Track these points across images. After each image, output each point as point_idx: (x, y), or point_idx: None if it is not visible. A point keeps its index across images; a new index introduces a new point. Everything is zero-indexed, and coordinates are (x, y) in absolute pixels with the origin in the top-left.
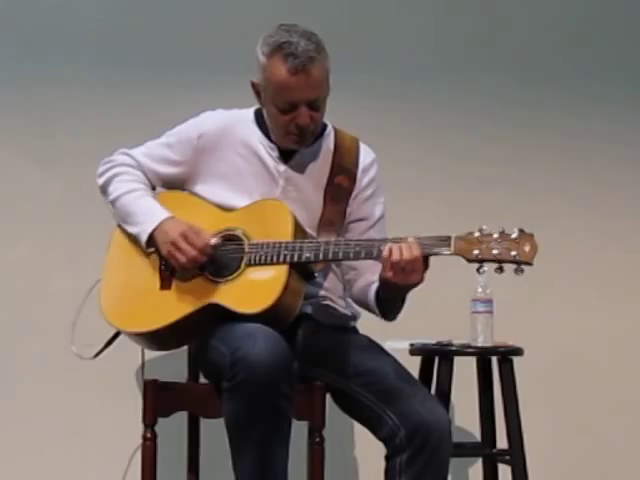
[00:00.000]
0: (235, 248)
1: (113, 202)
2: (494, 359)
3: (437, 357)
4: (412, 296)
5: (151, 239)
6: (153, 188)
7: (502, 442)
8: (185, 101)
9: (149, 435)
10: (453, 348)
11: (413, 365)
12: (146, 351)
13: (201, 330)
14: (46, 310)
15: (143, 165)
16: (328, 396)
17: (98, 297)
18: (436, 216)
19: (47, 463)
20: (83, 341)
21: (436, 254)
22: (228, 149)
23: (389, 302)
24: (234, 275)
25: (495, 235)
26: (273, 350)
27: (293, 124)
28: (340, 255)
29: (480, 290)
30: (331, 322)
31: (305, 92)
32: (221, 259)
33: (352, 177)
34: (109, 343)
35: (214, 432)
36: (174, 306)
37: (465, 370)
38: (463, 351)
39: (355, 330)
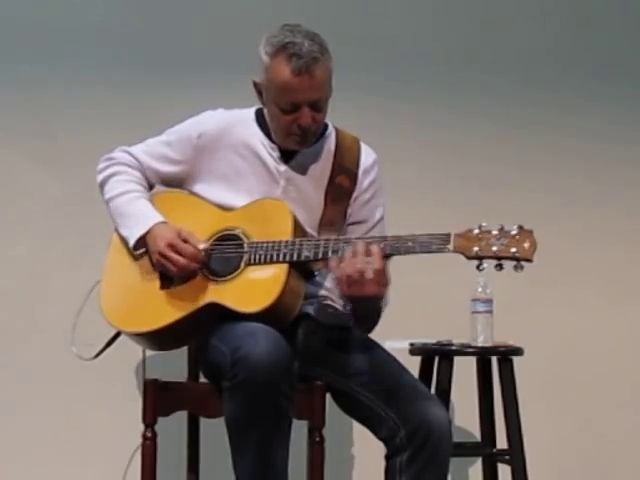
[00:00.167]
0: (235, 247)
1: (108, 202)
2: (494, 359)
3: (437, 357)
4: (412, 296)
5: (141, 244)
6: (152, 187)
7: (502, 442)
8: (185, 101)
9: (149, 434)
10: (453, 348)
11: (413, 365)
12: (146, 351)
13: (201, 330)
14: (46, 310)
15: (143, 163)
16: (328, 396)
17: (98, 297)
18: (436, 215)
19: (47, 463)
20: (83, 341)
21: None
22: (228, 149)
23: (355, 312)
24: (234, 274)
25: (494, 232)
26: (273, 350)
27: (295, 125)
28: (340, 254)
29: (480, 290)
30: (331, 322)
31: (308, 93)
32: (221, 258)
33: (353, 177)
34: (109, 343)
35: (214, 431)
36: (174, 306)
37: (465, 370)
38: (463, 351)
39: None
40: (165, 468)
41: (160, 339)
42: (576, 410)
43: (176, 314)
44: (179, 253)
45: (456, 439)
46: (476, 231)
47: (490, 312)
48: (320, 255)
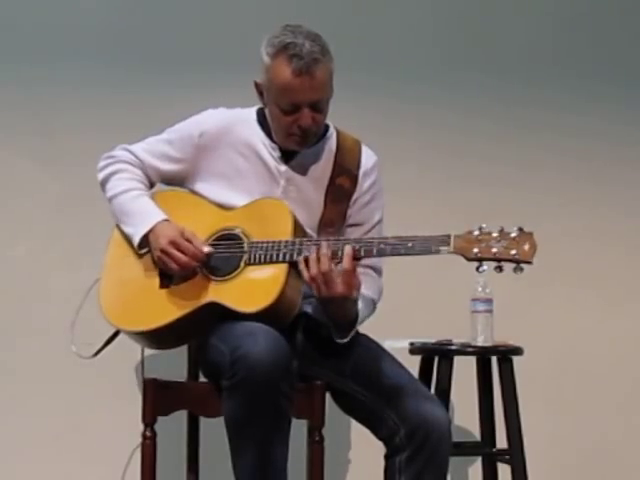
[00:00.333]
0: (234, 247)
1: (110, 200)
2: (494, 358)
3: (437, 356)
4: (412, 295)
5: (144, 241)
6: (153, 184)
7: (502, 441)
8: (185, 101)
9: (149, 434)
10: (453, 347)
11: (413, 364)
12: (146, 350)
13: (201, 329)
14: (46, 309)
15: (144, 161)
16: (328, 395)
17: (98, 296)
18: (436, 216)
19: (47, 462)
20: (83, 340)
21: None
22: (229, 148)
23: (327, 315)
24: (233, 274)
25: (495, 234)
26: (273, 349)
27: (295, 125)
28: (339, 254)
29: (480, 289)
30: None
31: (308, 94)
32: (220, 258)
33: (353, 178)
34: (109, 342)
35: (214, 431)
36: (173, 305)
37: (465, 369)
38: (463, 350)
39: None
40: (165, 467)
41: (159, 338)
42: (576, 410)
43: (175, 313)
44: (181, 251)
45: (456, 439)
46: (476, 233)
47: (490, 312)
48: None
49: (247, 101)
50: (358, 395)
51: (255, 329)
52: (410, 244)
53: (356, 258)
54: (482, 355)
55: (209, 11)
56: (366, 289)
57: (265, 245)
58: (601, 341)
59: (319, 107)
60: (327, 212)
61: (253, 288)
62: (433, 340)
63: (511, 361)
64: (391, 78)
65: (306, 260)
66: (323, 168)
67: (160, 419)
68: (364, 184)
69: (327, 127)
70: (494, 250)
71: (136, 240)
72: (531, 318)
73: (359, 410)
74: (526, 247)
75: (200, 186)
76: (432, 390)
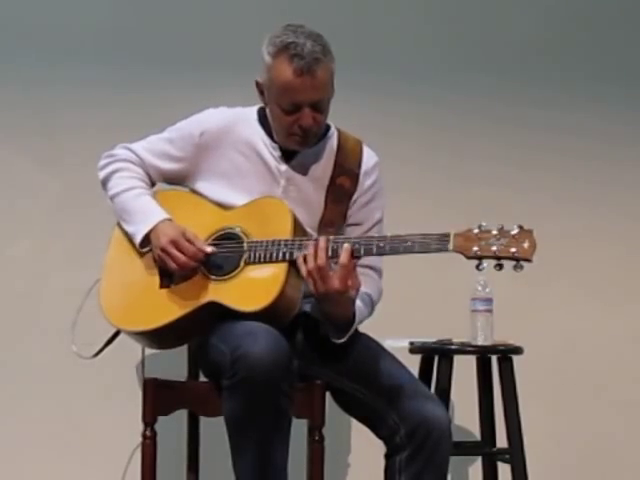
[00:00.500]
0: (234, 246)
1: (112, 198)
2: (494, 358)
3: (437, 356)
4: (412, 295)
5: (146, 240)
6: (154, 183)
7: (502, 441)
8: (185, 101)
9: (149, 433)
10: (453, 347)
11: (413, 364)
12: (146, 349)
13: (201, 328)
14: (46, 309)
15: (144, 160)
16: (328, 395)
17: (98, 296)
18: (436, 215)
19: (47, 462)
20: (83, 340)
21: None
22: (230, 147)
23: (323, 313)
24: (233, 273)
25: (494, 232)
26: (273, 348)
27: (296, 125)
28: (338, 252)
29: (480, 289)
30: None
31: (309, 94)
32: (220, 257)
33: (354, 178)
34: (109, 342)
35: (214, 430)
36: (174, 305)
37: (465, 369)
38: (463, 350)
39: (355, 328)
40: (165, 467)
41: (159, 338)
42: (576, 409)
43: (175, 313)
44: (181, 251)
45: (456, 438)
46: (476, 231)
47: (490, 311)
48: None
49: (248, 101)
50: (358, 394)
51: (255, 329)
52: (410, 242)
53: (355, 256)
54: (482, 354)
55: (209, 10)
56: (365, 289)
57: (265, 244)
58: (601, 340)
59: (320, 107)
60: (327, 212)
61: (253, 287)
62: (433, 339)
63: (511, 360)
64: (391, 78)
65: (305, 257)
66: (324, 168)
67: (160, 419)
68: (365, 184)
69: (328, 127)
70: (494, 248)
71: (138, 239)
72: (531, 317)
73: (359, 409)
74: (526, 245)
75: (200, 185)
76: (432, 389)
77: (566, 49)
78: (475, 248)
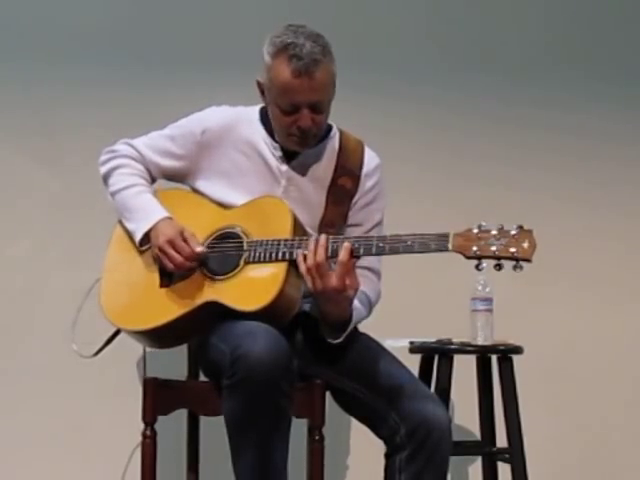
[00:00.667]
0: (234, 246)
1: (112, 195)
2: (494, 357)
3: (437, 355)
4: (412, 294)
5: (146, 238)
6: (154, 180)
7: (502, 440)
8: (185, 100)
9: (149, 433)
10: (453, 346)
11: (413, 363)
12: (146, 349)
13: (201, 328)
14: (46, 308)
15: (145, 157)
16: (328, 394)
17: (98, 295)
18: (436, 215)
19: (47, 461)
20: (83, 339)
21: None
22: (231, 146)
23: (321, 312)
24: (233, 273)
25: (494, 232)
26: (273, 348)
27: (295, 126)
28: (338, 251)
29: (480, 288)
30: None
31: (308, 95)
32: (220, 257)
33: (355, 179)
34: (109, 341)
35: (214, 430)
36: (174, 304)
37: (465, 368)
38: (463, 349)
39: (355, 328)
40: (165, 466)
41: (159, 337)
42: (576, 408)
43: (175, 312)
44: (177, 251)
45: (456, 438)
46: (475, 231)
47: (490, 311)
48: None
49: (248, 101)
50: (358, 394)
51: (255, 328)
52: (409, 242)
53: (355, 256)
54: (482, 354)
55: (210, 10)
56: (363, 289)
57: (265, 244)
58: (601, 340)
59: (319, 108)
60: (328, 213)
61: (253, 287)
62: (433, 339)
63: (511, 360)
64: (391, 78)
65: (304, 255)
66: (325, 168)
67: (160, 418)
68: (366, 185)
69: (330, 127)
70: (493, 248)
71: (138, 236)
72: (531, 317)
73: (359, 409)
74: (525, 245)
75: (201, 184)
76: (432, 389)
77: (566, 49)
78: (475, 248)
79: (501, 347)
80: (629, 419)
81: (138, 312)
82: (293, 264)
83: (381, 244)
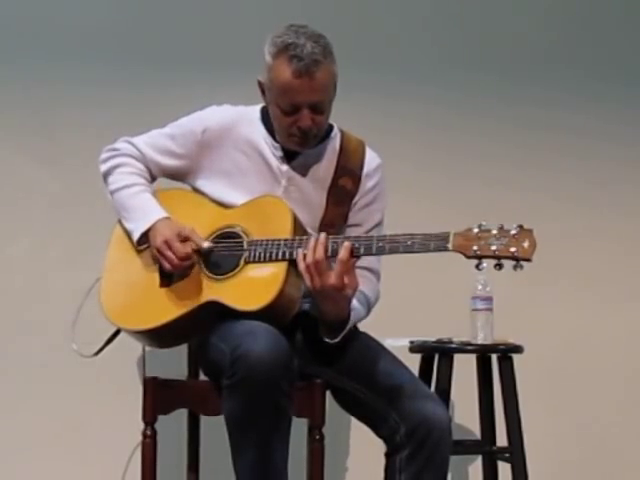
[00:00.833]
0: (234, 245)
1: (112, 193)
2: (494, 357)
3: (437, 355)
4: (412, 294)
5: (145, 239)
6: (154, 178)
7: (502, 440)
8: (185, 100)
9: (149, 432)
10: (453, 346)
11: (413, 362)
12: (146, 348)
13: (201, 327)
14: (46, 308)
15: (145, 155)
16: (328, 394)
17: (98, 295)
18: (436, 214)
19: (48, 461)
20: (84, 339)
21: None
22: (232, 146)
23: (319, 311)
24: (233, 272)
25: (494, 231)
26: (273, 348)
27: (295, 126)
28: (338, 252)
29: (480, 287)
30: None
31: (308, 95)
32: (220, 256)
33: (356, 179)
34: (109, 341)
35: (214, 430)
36: (173, 304)
37: (465, 368)
38: (463, 349)
39: (355, 327)
40: (165, 466)
41: (159, 337)
42: (576, 407)
43: (175, 312)
44: (173, 252)
45: (456, 437)
46: (475, 230)
47: (490, 310)
48: None
49: (248, 100)
50: (358, 393)
51: (255, 328)
52: (409, 242)
53: (355, 256)
54: (482, 353)
55: (210, 10)
56: (362, 289)
57: (265, 243)
58: (601, 339)
59: (319, 108)
60: (328, 213)
61: (253, 286)
62: (433, 338)
63: (511, 359)
64: (392, 78)
65: (304, 253)
66: (325, 169)
67: (160, 418)
68: (366, 185)
69: (331, 128)
70: (493, 248)
71: (136, 236)
72: (531, 316)
73: (359, 408)
74: (526, 244)
75: (201, 183)
76: (432, 388)
77: (566, 49)
78: (475, 247)
79: (501, 346)
80: (629, 418)
81: (138, 312)
82: (293, 264)
83: (381, 244)
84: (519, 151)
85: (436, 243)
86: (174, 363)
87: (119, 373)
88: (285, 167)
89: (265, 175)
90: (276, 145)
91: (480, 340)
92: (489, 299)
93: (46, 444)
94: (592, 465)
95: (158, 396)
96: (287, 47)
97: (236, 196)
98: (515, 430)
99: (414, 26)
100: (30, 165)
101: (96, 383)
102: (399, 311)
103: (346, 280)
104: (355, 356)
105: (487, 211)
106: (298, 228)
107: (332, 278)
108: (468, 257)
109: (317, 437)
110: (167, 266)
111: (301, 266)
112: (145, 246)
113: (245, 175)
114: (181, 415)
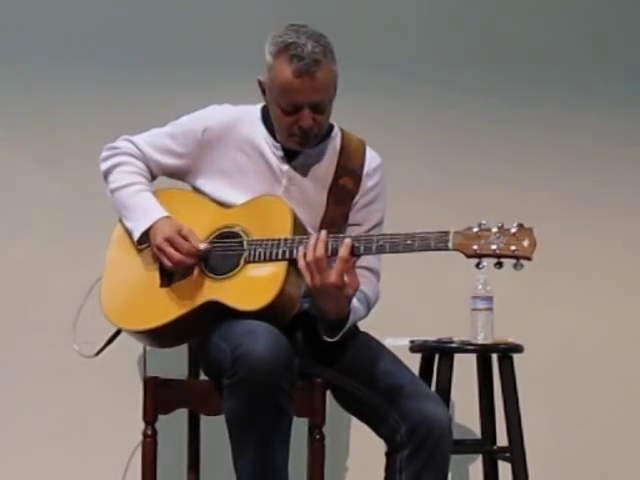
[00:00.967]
0: (234, 245)
1: (112, 192)
2: (494, 356)
3: (437, 354)
4: (412, 293)
5: (144, 236)
6: (154, 177)
7: (502, 439)
8: (186, 100)
9: (149, 432)
10: (453, 345)
11: (413, 362)
12: (147, 348)
13: (201, 327)
14: (46, 308)
15: (146, 154)
16: (328, 393)
17: (99, 295)
18: (436, 214)
19: (48, 460)
20: (84, 339)
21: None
22: (232, 145)
23: (318, 309)
24: (233, 272)
25: (494, 230)
26: (274, 347)
27: (296, 126)
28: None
29: (480, 287)
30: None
31: (309, 95)
32: (220, 256)
33: (357, 179)
34: (110, 341)
35: (215, 429)
36: (174, 304)
37: (465, 367)
38: (463, 348)
39: (355, 327)
40: (166, 466)
41: (160, 337)
42: (576, 407)
43: (175, 312)
44: (175, 248)
45: (456, 436)
46: (475, 229)
47: (490, 309)
48: None
49: (248, 100)
50: (359, 393)
51: (256, 327)
52: (409, 241)
53: (355, 254)
54: (482, 353)
55: (210, 9)
56: (362, 288)
57: (265, 243)
58: (601, 339)
59: (320, 108)
60: (329, 213)
61: (253, 286)
62: (433, 338)
63: (511, 359)
64: (392, 77)
65: (304, 252)
66: (326, 168)
67: (161, 417)
68: (367, 185)
69: (332, 127)
70: (493, 246)
71: (136, 235)
72: (531, 316)
73: (360, 408)
74: (526, 243)
75: (201, 182)
76: (432, 388)
77: (566, 48)
78: (475, 247)
79: (501, 346)
80: (629, 418)
81: (138, 312)
82: (293, 263)
83: (381, 243)
84: (519, 151)
85: (436, 242)
86: (174, 363)
87: (119, 373)
88: (286, 167)
89: (265, 175)
90: (277, 145)
91: (480, 340)
92: (489, 299)
93: (46, 444)
94: (592, 464)
95: (158, 396)
96: (288, 47)
97: (236, 196)
98: (515, 429)
99: (414, 26)
100: (30, 165)
101: (96, 383)
102: (399, 311)
103: (347, 279)
104: (355, 356)
105: (487, 210)
106: (298, 227)
107: (332, 276)
108: (468, 256)
109: (317, 437)
110: (168, 264)
111: (301, 263)
112: (145, 245)
113: (245, 175)
114: (181, 415)
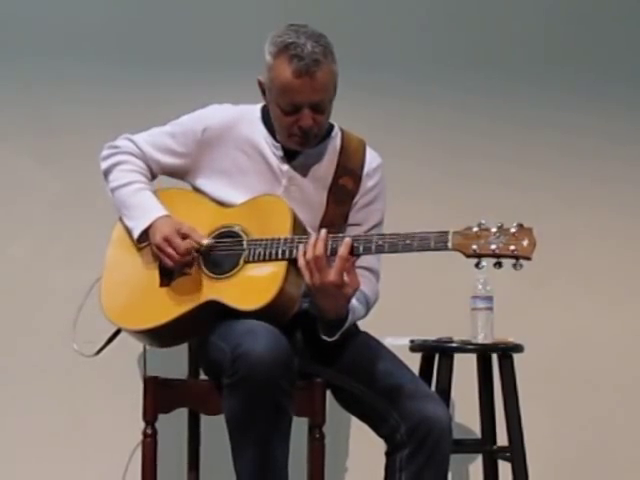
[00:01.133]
0: (234, 245)
1: (112, 191)
2: (494, 356)
3: (437, 354)
4: (412, 293)
5: (144, 235)
6: (154, 176)
7: (502, 439)
8: (185, 99)
9: (149, 432)
10: (453, 345)
11: (413, 362)
12: (147, 348)
13: (201, 327)
14: (46, 308)
15: (146, 153)
16: (328, 393)
17: (98, 294)
18: (435, 213)
19: (48, 460)
20: (84, 338)
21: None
22: (232, 145)
23: (317, 308)
24: (233, 272)
25: (493, 230)
26: (274, 347)
27: (296, 126)
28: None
29: (480, 287)
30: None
31: (309, 95)
32: (220, 256)
33: (357, 179)
34: (110, 340)
35: (215, 429)
36: (173, 303)
37: (465, 367)
38: (463, 348)
39: (355, 327)
40: (166, 465)
41: (159, 336)
42: (576, 407)
43: (175, 312)
44: (174, 248)
45: (456, 436)
46: (475, 229)
47: (490, 309)
48: None
49: (248, 100)
50: (358, 392)
51: (255, 327)
52: (408, 241)
53: (354, 254)
54: (482, 352)
55: (210, 9)
56: (362, 288)
57: (264, 242)
58: (601, 338)
59: (320, 108)
60: (329, 212)
61: (253, 286)
62: (433, 338)
63: (511, 358)
64: (392, 77)
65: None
66: (326, 168)
67: (161, 417)
68: (367, 185)
69: (332, 127)
70: (493, 246)
71: (136, 234)
72: (531, 315)
73: (360, 407)
74: (525, 243)
75: (201, 182)
76: (432, 388)
77: (566, 48)
78: (474, 246)
79: (501, 345)
80: (629, 418)
81: (138, 311)
82: (293, 263)
83: (381, 242)
84: (519, 150)
85: (435, 242)
86: (174, 362)
87: (119, 372)
88: (286, 167)
89: (265, 175)
90: (277, 145)
91: (480, 339)
92: (489, 298)
93: (46, 444)
94: (592, 464)
95: (158, 395)
96: (287, 47)
97: (236, 196)
98: (515, 429)
99: (414, 26)
100: (30, 165)
101: (96, 382)
102: (399, 310)
103: (347, 279)
104: (355, 355)
105: (487, 210)
106: (298, 227)
107: (332, 275)
108: (467, 256)
109: (317, 436)
110: (168, 262)
111: (301, 262)
112: (145, 244)
113: (245, 174)
114: (181, 414)
